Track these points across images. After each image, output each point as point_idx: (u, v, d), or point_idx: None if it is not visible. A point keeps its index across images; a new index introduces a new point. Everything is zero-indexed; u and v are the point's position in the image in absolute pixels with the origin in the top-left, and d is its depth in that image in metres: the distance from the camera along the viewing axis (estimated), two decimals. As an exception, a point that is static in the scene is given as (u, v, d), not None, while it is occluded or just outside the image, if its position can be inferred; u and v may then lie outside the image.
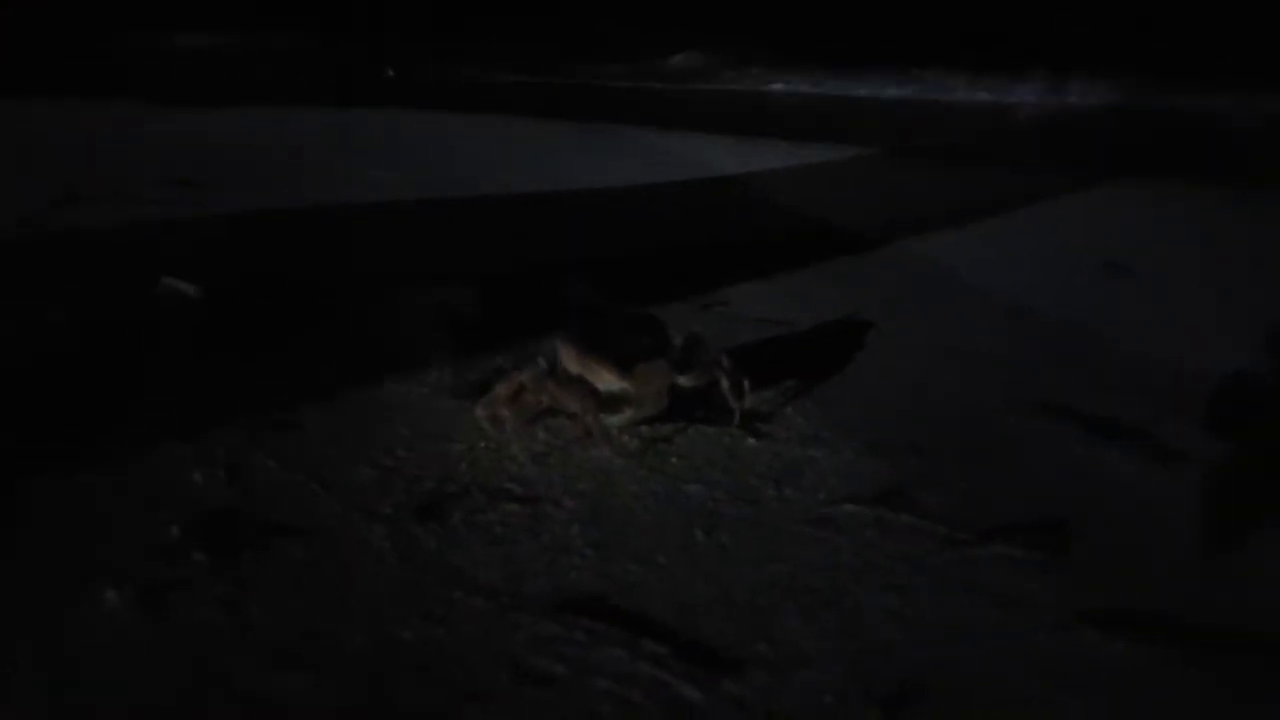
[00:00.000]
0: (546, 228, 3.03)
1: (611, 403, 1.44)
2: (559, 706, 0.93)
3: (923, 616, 1.09)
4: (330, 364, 1.77)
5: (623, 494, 1.34)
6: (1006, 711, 0.95)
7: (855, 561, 1.20)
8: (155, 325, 1.94)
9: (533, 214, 3.23)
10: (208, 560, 1.15)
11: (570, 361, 1.45)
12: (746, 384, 1.52)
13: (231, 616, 1.05)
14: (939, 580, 1.16)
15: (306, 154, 4.15)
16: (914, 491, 1.37)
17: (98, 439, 1.45)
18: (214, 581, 1.11)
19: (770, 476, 1.40)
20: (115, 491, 1.30)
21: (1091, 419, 1.62)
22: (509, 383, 1.47)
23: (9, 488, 1.30)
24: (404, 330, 1.95)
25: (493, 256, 2.62)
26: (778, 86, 6.61)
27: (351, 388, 1.67)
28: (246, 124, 4.96)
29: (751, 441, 1.51)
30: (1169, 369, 1.87)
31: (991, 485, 1.40)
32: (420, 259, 2.55)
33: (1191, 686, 1.00)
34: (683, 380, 1.50)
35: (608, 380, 1.43)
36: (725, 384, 1.51)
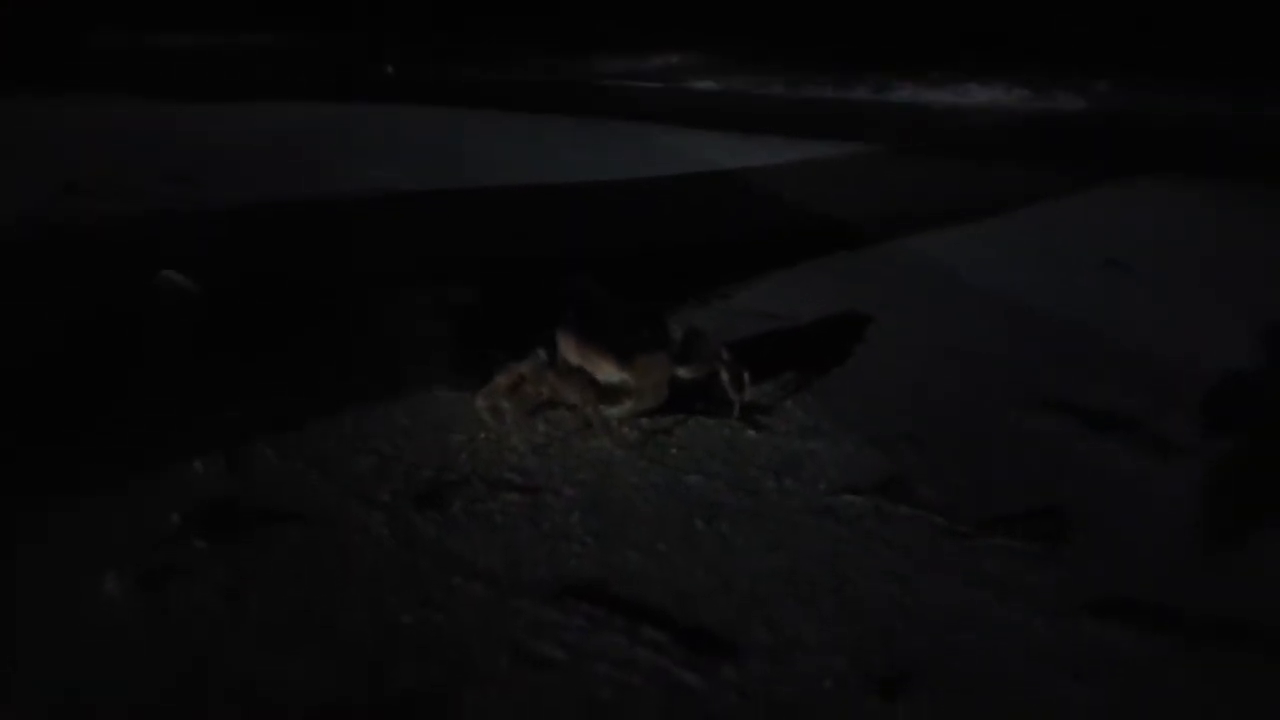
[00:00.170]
0: (545, 222, 3.03)
1: (611, 394, 1.44)
2: (558, 690, 0.93)
3: (922, 605, 1.09)
4: (330, 356, 1.77)
5: (623, 484, 1.34)
6: (1004, 698, 0.95)
7: (855, 551, 1.20)
8: (154, 319, 1.94)
9: (532, 208, 3.23)
10: (207, 547, 1.15)
11: (570, 353, 1.45)
12: (746, 376, 1.52)
13: (231, 602, 1.05)
14: (938, 570, 1.16)
15: (306, 150, 4.14)
16: (913, 483, 1.37)
17: (98, 430, 1.45)
18: (213, 567, 1.11)
19: (770, 468, 1.40)
20: (116, 480, 1.30)
21: (1090, 413, 1.63)
22: (509, 374, 1.47)
23: (10, 477, 1.30)
24: (404, 322, 1.95)
25: (492, 250, 2.62)
26: (777, 89, 6.60)
27: (351, 379, 1.67)
28: (246, 121, 4.96)
29: (751, 433, 1.51)
30: (1168, 365, 1.87)
31: (990, 478, 1.40)
32: (420, 253, 2.55)
33: (1187, 675, 1.00)
34: (682, 372, 1.50)
35: (608, 372, 1.43)
36: (725, 376, 1.51)
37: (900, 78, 6.81)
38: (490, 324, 1.97)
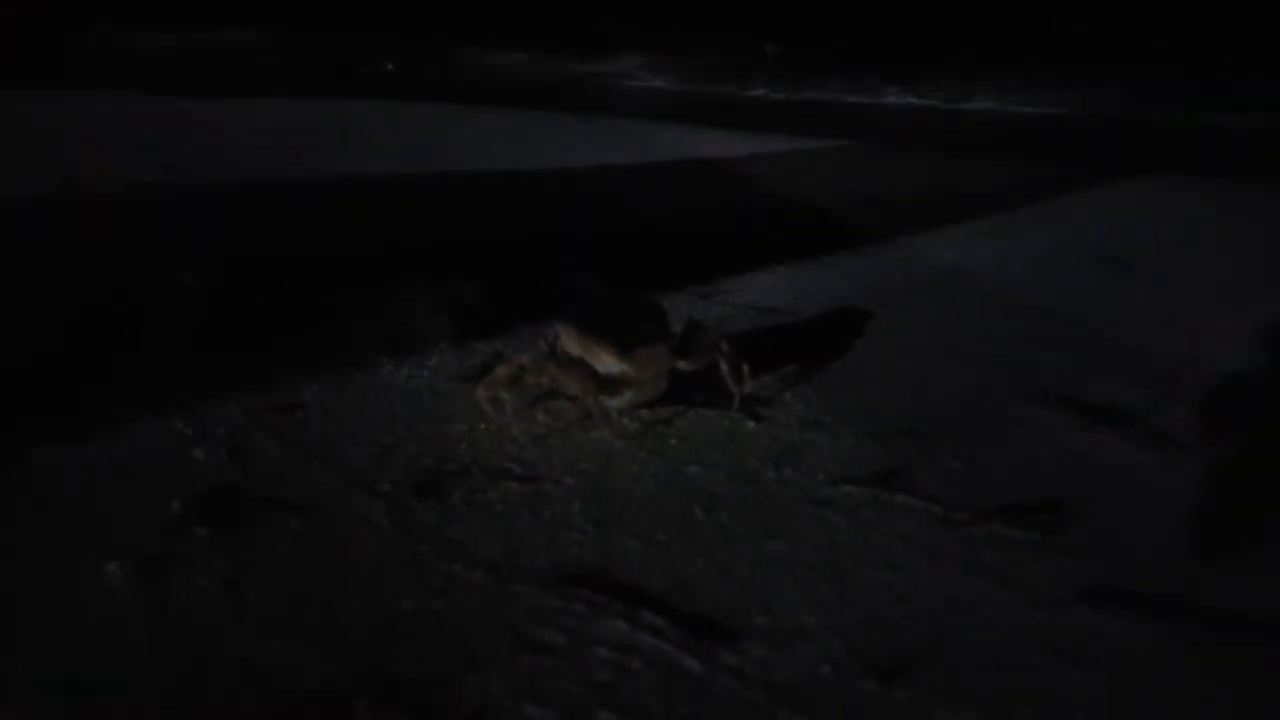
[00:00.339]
0: (543, 216, 3.04)
1: (611, 385, 1.45)
2: (559, 674, 0.94)
3: (920, 593, 1.10)
4: (330, 347, 1.78)
5: (623, 474, 1.35)
6: (1002, 684, 0.96)
7: (853, 540, 1.20)
8: (154, 310, 1.94)
9: (529, 203, 3.23)
10: (208, 535, 1.15)
11: (570, 344, 1.46)
12: (746, 369, 1.53)
13: (231, 589, 1.06)
14: (936, 559, 1.17)
15: (306, 146, 4.15)
16: (912, 474, 1.38)
17: (98, 419, 1.45)
18: (214, 555, 1.12)
19: (769, 459, 1.41)
20: (116, 469, 1.30)
21: (1089, 406, 1.63)
22: (509, 365, 1.47)
23: (11, 466, 1.30)
24: (404, 314, 1.96)
25: (491, 244, 2.62)
26: (780, 93, 6.59)
27: (351, 370, 1.67)
28: (247, 117, 4.96)
29: (751, 425, 1.51)
30: (1167, 361, 1.88)
31: (989, 469, 1.41)
32: (420, 247, 2.56)
33: (1185, 664, 1.00)
34: (682, 364, 1.51)
35: (608, 363, 1.44)
36: (724, 368, 1.52)
37: (898, 78, 6.82)
38: (491, 316, 1.97)
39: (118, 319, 1.90)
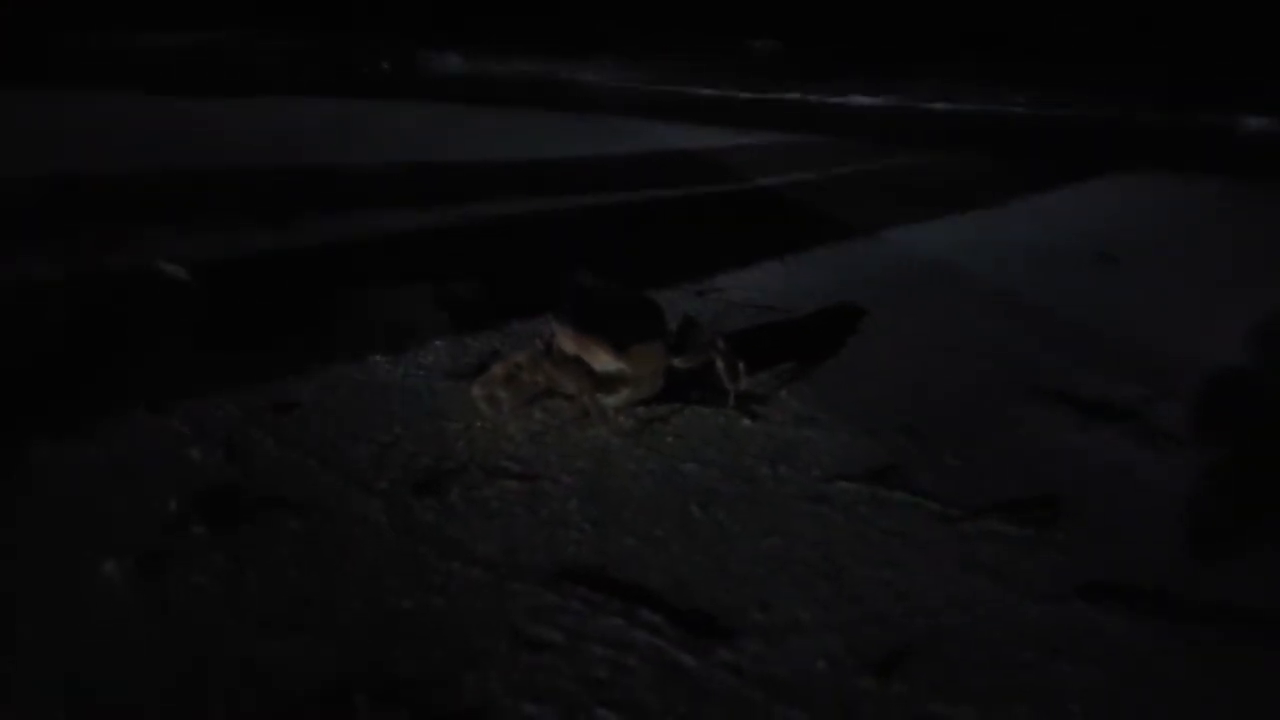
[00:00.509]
0: (539, 213, 3.04)
1: (608, 383, 1.45)
2: (557, 671, 0.94)
3: (916, 589, 1.11)
4: (327, 345, 1.78)
5: (620, 472, 1.35)
6: (998, 680, 0.96)
7: (849, 537, 1.21)
8: (152, 310, 1.94)
9: (525, 199, 3.23)
10: (206, 533, 1.16)
11: (567, 342, 1.46)
12: (742, 366, 1.53)
13: (231, 588, 1.06)
14: (932, 554, 1.18)
15: (304, 144, 4.14)
16: (908, 470, 1.38)
17: (97, 419, 1.45)
18: (213, 554, 1.12)
19: (765, 456, 1.41)
20: (115, 468, 1.30)
21: (1083, 402, 1.64)
22: (506, 363, 1.48)
23: (11, 466, 1.30)
24: (401, 312, 1.96)
25: (487, 240, 2.62)
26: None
27: (348, 368, 1.68)
28: (245, 116, 4.96)
29: (747, 422, 1.52)
30: (1161, 357, 1.88)
31: (984, 465, 1.41)
32: (416, 243, 2.56)
33: (1181, 660, 1.01)
34: (678, 362, 1.51)
35: (604, 361, 1.44)
36: (721, 366, 1.52)
37: (896, 77, 6.82)
38: (487, 314, 1.97)
39: (116, 319, 1.90)
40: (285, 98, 5.67)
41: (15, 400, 1.52)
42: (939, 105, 6.12)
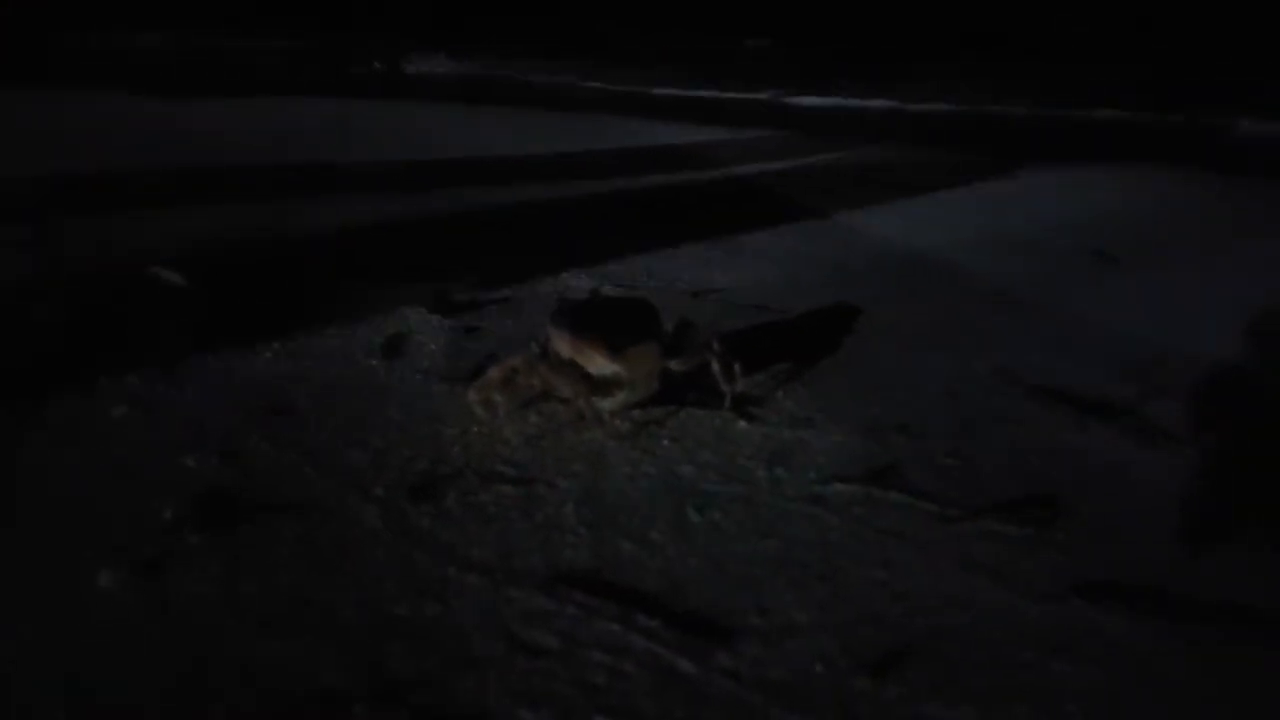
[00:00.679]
0: (536, 213, 3.04)
1: (603, 386, 1.45)
2: (553, 676, 0.94)
3: (913, 589, 1.10)
4: (323, 348, 1.78)
5: (615, 475, 1.35)
6: (997, 680, 0.96)
7: (846, 538, 1.21)
8: (147, 311, 1.94)
9: (522, 200, 3.23)
10: (201, 540, 1.15)
11: (562, 346, 1.46)
12: (737, 368, 1.53)
13: (226, 592, 1.06)
14: (929, 555, 1.17)
15: (300, 145, 4.14)
16: (904, 470, 1.38)
17: (93, 421, 1.45)
18: (208, 560, 1.11)
19: (761, 457, 1.41)
20: (111, 471, 1.30)
21: (1079, 400, 1.64)
22: (501, 367, 1.48)
23: (7, 468, 1.30)
24: (398, 315, 1.96)
25: (484, 242, 2.62)
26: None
27: (345, 371, 1.67)
28: (242, 116, 4.96)
29: (742, 424, 1.52)
30: (1157, 355, 1.88)
31: (980, 464, 1.41)
32: (413, 245, 2.55)
33: (1180, 659, 1.01)
34: (674, 364, 1.51)
35: (600, 364, 1.44)
36: (716, 367, 1.52)
37: (895, 77, 6.82)
38: (484, 317, 1.97)
39: (114, 320, 1.89)
40: (284, 98, 5.67)
41: (11, 403, 1.52)
42: (938, 105, 6.12)
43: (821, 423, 1.53)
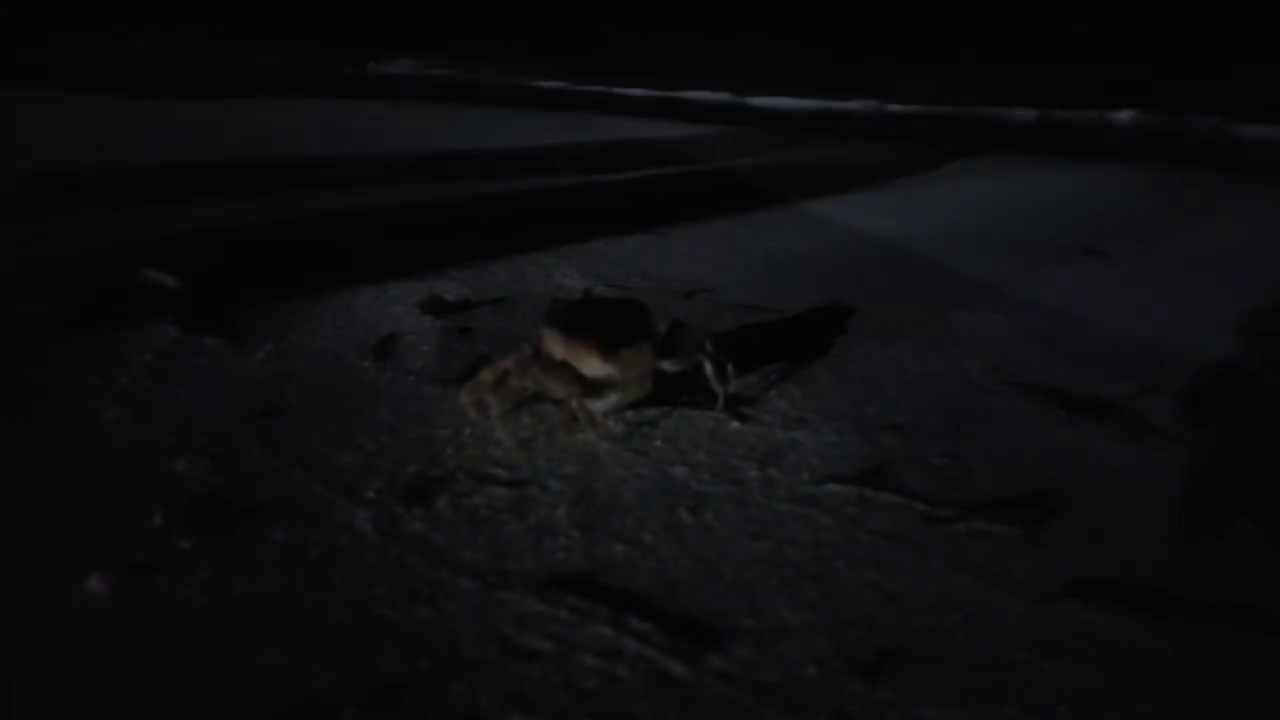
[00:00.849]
0: (531, 214, 3.03)
1: (596, 387, 1.45)
2: (545, 680, 0.94)
3: (905, 590, 1.10)
4: (314, 350, 1.77)
5: (608, 476, 1.35)
6: (989, 680, 0.96)
7: (838, 538, 1.21)
8: (140, 313, 1.93)
9: (517, 200, 3.22)
10: (191, 544, 1.15)
11: (555, 347, 1.46)
12: (730, 368, 1.53)
13: (217, 596, 1.05)
14: (921, 555, 1.17)
15: (294, 145, 4.13)
16: (895, 470, 1.38)
17: (81, 426, 1.45)
18: (198, 564, 1.11)
19: (754, 458, 1.41)
20: (101, 475, 1.30)
21: (1071, 398, 1.64)
22: (493, 368, 1.47)
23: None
24: (389, 316, 1.95)
25: (476, 242, 2.61)
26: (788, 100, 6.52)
27: (335, 373, 1.67)
28: (237, 117, 4.94)
29: (735, 424, 1.51)
30: (1148, 352, 1.88)
31: (972, 464, 1.41)
32: (406, 246, 2.55)
33: (1171, 657, 1.01)
34: (667, 365, 1.51)
35: (592, 365, 1.43)
36: (709, 368, 1.52)
37: (895, 77, 6.81)
38: (475, 318, 1.97)
39: (103, 321, 1.88)
40: (282, 99, 5.65)
41: (2, 403, 1.51)
42: (937, 105, 6.11)
43: (814, 423, 1.53)
